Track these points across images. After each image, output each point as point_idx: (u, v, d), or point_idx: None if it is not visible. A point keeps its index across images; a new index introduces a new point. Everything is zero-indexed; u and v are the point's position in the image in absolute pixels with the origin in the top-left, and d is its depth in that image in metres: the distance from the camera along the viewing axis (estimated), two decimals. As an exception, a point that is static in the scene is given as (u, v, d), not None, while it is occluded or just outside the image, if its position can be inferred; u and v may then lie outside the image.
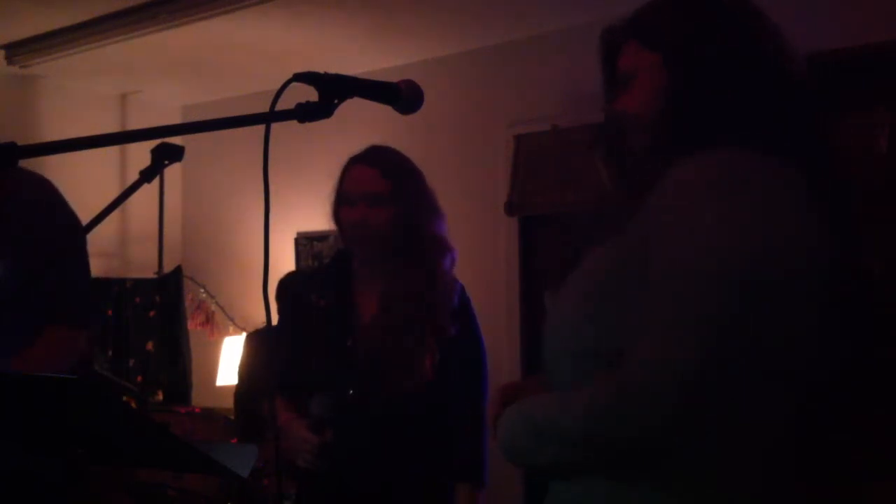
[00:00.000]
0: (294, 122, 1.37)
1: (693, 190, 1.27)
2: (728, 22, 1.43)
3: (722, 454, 1.27)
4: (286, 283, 2.65)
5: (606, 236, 1.41)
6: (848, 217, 1.37)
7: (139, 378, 5.97)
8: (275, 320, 2.56)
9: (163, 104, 6.36)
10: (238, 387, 5.18)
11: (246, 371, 5.12)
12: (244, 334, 5.63)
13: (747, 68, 1.39)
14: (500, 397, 1.47)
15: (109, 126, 6.01)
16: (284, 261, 5.74)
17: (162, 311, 6.07)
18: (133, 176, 1.38)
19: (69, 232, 2.38)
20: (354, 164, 2.52)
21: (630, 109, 1.46)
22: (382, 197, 2.45)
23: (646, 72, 1.44)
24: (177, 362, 6.02)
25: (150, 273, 6.11)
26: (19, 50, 5.28)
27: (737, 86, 1.37)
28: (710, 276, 1.22)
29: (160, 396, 5.96)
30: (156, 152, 1.39)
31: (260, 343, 5.09)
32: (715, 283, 1.22)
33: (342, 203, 2.50)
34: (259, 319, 5.29)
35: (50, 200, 2.41)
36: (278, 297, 2.60)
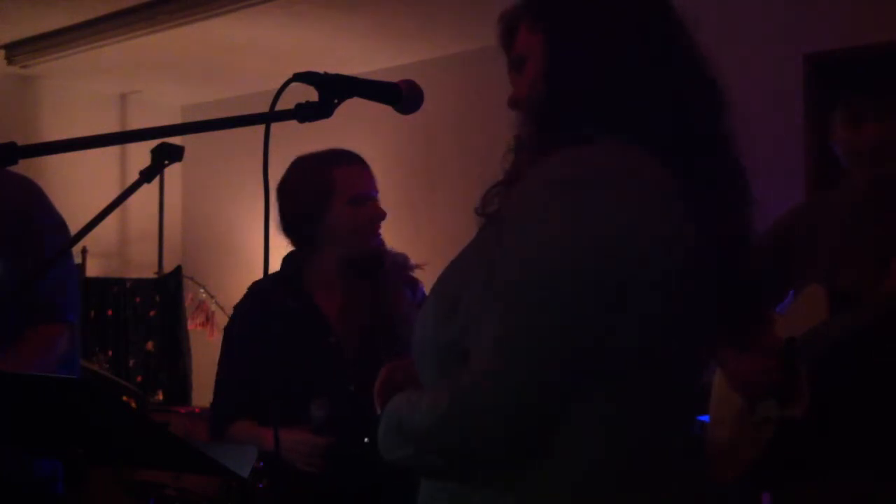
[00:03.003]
0: (294, 122, 1.37)
1: (540, 189, 1.21)
2: (608, 4, 1.34)
3: (566, 457, 1.22)
4: (256, 290, 2.62)
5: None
6: (713, 204, 1.28)
7: (139, 378, 5.97)
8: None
9: (163, 104, 6.36)
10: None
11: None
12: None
13: (621, 54, 1.30)
14: (386, 377, 1.43)
15: (109, 126, 6.02)
16: (284, 261, 5.74)
17: (162, 311, 6.07)
18: (133, 176, 1.38)
19: (58, 232, 2.40)
20: (352, 163, 2.53)
21: (520, 95, 1.39)
22: (375, 195, 2.53)
23: (533, 55, 1.36)
24: (177, 362, 6.02)
25: (150, 273, 6.12)
26: (19, 50, 5.29)
27: (609, 72, 1.29)
28: (555, 283, 1.16)
29: (160, 396, 5.96)
30: (156, 152, 1.38)
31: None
32: (559, 291, 1.16)
33: (358, 202, 2.49)
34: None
35: (38, 201, 2.43)
36: (252, 306, 2.57)
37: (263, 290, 2.54)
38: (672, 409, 1.28)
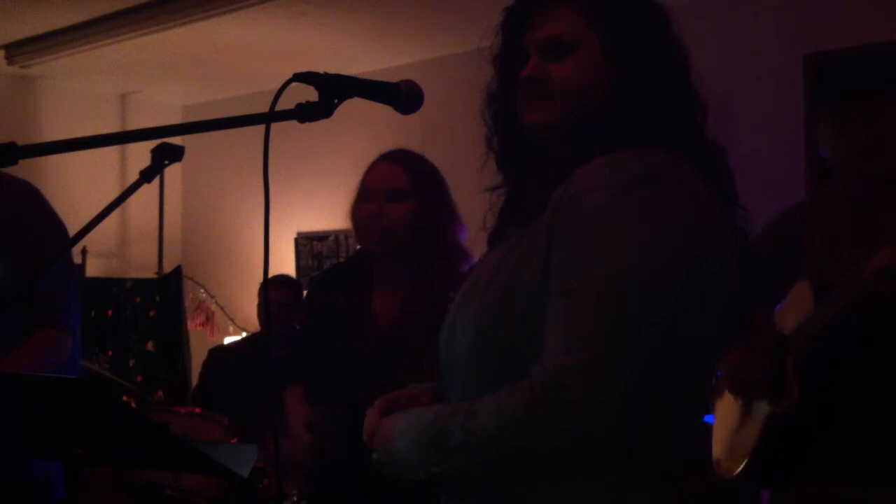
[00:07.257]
0: (294, 123, 1.37)
1: (608, 189, 1.22)
2: (655, 19, 1.38)
3: (637, 453, 1.23)
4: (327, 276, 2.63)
5: (507, 232, 1.38)
6: (732, 207, 1.36)
7: (139, 378, 5.97)
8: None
9: (163, 104, 6.36)
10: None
11: (204, 393, 4.73)
12: (244, 334, 5.63)
13: (668, 70, 1.36)
14: (380, 407, 1.41)
15: (109, 126, 6.01)
16: (284, 261, 5.74)
17: (162, 311, 6.07)
18: (133, 176, 1.38)
19: (58, 236, 2.39)
20: (380, 160, 2.49)
21: (570, 81, 1.36)
22: (402, 191, 2.38)
23: (589, 50, 1.36)
24: (177, 362, 6.02)
25: (150, 273, 6.12)
26: (19, 50, 5.29)
27: (662, 88, 1.34)
28: (634, 278, 1.18)
29: (160, 396, 5.96)
30: (156, 152, 1.38)
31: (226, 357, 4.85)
32: (639, 286, 1.18)
33: (361, 199, 2.45)
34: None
35: (38, 205, 2.42)
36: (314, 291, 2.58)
37: (327, 280, 2.54)
38: (699, 406, 1.33)
